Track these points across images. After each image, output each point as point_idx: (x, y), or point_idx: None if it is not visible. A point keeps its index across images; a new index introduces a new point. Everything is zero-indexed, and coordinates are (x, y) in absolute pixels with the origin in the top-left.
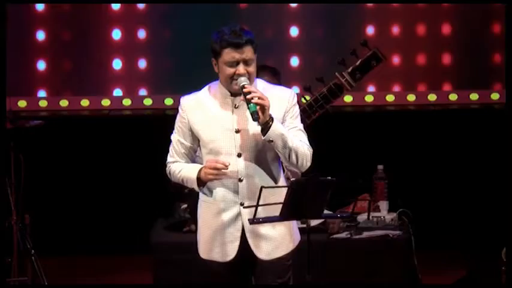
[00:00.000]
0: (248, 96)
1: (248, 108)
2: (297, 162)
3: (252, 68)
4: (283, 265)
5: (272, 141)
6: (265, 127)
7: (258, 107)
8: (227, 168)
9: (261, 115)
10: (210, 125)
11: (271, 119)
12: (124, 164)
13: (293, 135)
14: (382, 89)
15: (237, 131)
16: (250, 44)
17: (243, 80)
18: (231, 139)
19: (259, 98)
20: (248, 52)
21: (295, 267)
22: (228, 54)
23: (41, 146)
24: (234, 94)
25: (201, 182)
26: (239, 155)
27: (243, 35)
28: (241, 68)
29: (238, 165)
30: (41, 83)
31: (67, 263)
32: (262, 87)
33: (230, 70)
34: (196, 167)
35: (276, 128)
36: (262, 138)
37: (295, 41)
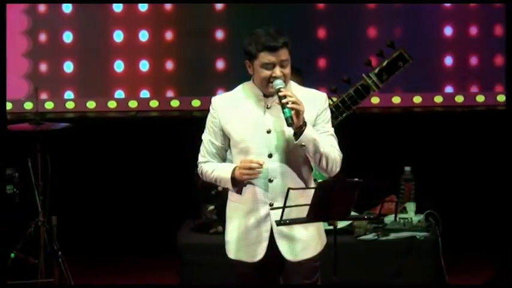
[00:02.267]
0: (283, 101)
1: (283, 112)
2: (327, 167)
3: (288, 70)
4: (311, 266)
5: (304, 145)
6: (299, 131)
7: (292, 112)
8: (262, 167)
9: (295, 120)
10: (241, 125)
11: (305, 123)
12: (151, 165)
13: (324, 140)
14: (409, 91)
15: (269, 132)
16: (286, 46)
17: (278, 83)
18: (262, 139)
19: (294, 103)
20: (284, 54)
21: (323, 269)
22: (264, 57)
23: (68, 147)
24: (266, 95)
25: (236, 181)
26: (270, 156)
27: (279, 38)
28: (277, 71)
29: (268, 165)
30: (68, 84)
31: (94, 264)
32: (294, 89)
33: (266, 73)
34: (230, 167)
35: (308, 132)
36: (295, 142)
37: (322, 42)
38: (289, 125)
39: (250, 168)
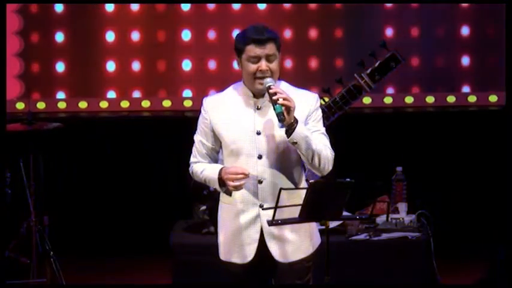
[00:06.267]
0: (274, 97)
1: (274, 109)
2: (319, 165)
3: (275, 65)
4: (303, 266)
5: (296, 143)
6: (290, 129)
7: (283, 108)
8: (248, 177)
9: (286, 116)
10: (231, 126)
11: (296, 120)
12: (143, 165)
13: (316, 138)
14: (401, 91)
15: (258, 133)
16: (273, 41)
17: (269, 81)
18: (252, 141)
19: (285, 99)
20: (271, 49)
21: (314, 269)
22: (251, 50)
23: (60, 147)
24: (256, 95)
25: (223, 182)
26: (260, 157)
27: (265, 32)
28: (263, 64)
29: (258, 167)
30: (60, 84)
31: (86, 264)
32: (286, 89)
33: (253, 66)
34: (217, 168)
35: (300, 130)
36: (287, 139)
37: (314, 42)
38: (280, 120)
39: (237, 179)
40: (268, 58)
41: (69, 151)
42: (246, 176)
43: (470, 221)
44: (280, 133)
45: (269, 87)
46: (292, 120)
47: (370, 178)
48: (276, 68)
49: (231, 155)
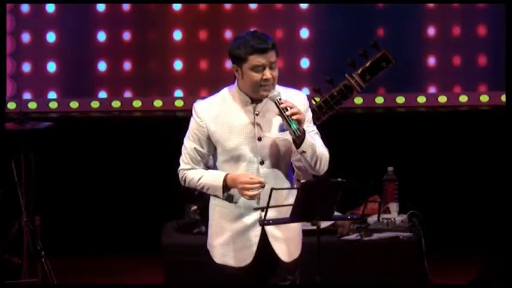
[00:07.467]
0: (287, 113)
1: (289, 125)
2: (320, 167)
3: (276, 72)
4: (295, 262)
5: (304, 152)
6: (299, 140)
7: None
8: (264, 185)
9: (301, 130)
10: (231, 135)
11: (304, 131)
12: (134, 165)
13: (317, 141)
14: (393, 91)
15: (259, 139)
16: (274, 49)
17: (276, 95)
18: (254, 147)
19: (296, 114)
20: (272, 56)
21: (306, 269)
22: (254, 59)
23: (52, 147)
24: (254, 100)
25: (227, 189)
26: (261, 163)
27: (268, 40)
28: (267, 73)
29: (260, 172)
30: (52, 84)
31: (77, 264)
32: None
33: (257, 76)
34: (219, 175)
35: (308, 139)
36: (285, 142)
37: (305, 42)
38: (297, 137)
39: (251, 188)
40: (271, 66)
41: (60, 151)
42: (262, 184)
43: (462, 221)
44: (279, 137)
45: (278, 101)
46: (302, 131)
47: (362, 178)
48: (277, 75)
49: (230, 161)
